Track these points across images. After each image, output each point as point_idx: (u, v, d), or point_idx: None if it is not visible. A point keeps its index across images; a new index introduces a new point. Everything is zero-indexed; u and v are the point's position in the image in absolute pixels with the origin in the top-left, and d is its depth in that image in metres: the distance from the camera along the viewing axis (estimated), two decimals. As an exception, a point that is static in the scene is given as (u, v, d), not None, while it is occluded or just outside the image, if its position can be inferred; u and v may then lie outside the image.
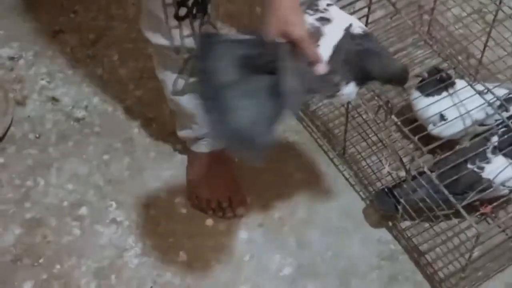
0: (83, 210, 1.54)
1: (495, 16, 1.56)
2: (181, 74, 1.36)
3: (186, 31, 1.26)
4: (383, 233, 1.50)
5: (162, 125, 1.66)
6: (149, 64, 1.73)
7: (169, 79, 1.38)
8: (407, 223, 1.48)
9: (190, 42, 1.27)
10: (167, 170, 1.59)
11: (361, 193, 1.55)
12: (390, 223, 1.49)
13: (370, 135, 1.60)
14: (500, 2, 1.53)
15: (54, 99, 1.70)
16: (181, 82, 1.37)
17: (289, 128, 1.66)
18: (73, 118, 1.68)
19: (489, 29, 1.58)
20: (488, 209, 1.41)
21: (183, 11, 1.23)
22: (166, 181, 1.58)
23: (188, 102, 1.42)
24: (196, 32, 1.26)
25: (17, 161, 1.60)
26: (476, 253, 1.34)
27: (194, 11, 1.24)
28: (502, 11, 1.55)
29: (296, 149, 1.63)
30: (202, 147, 1.53)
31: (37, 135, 1.65)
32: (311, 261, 1.46)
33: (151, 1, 1.24)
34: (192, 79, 1.37)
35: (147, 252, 1.48)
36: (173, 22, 1.24)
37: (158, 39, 1.29)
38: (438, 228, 1.46)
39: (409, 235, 1.47)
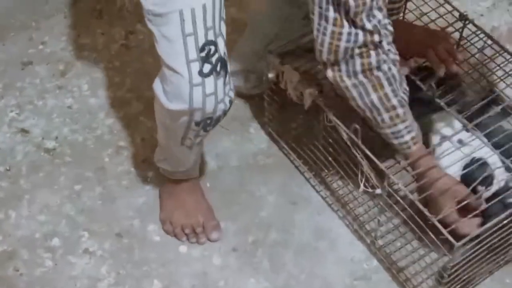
0: (55, 241, 1.52)
1: (461, 33, 1.58)
2: (188, 134, 1.33)
3: (209, 90, 1.22)
4: (356, 253, 1.49)
5: (133, 153, 1.65)
6: (119, 94, 1.75)
7: (176, 137, 1.35)
8: (385, 240, 1.48)
9: (210, 103, 1.24)
10: (140, 197, 1.58)
11: (338, 212, 1.55)
12: (368, 241, 1.49)
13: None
14: (465, 21, 1.55)
15: (24, 131, 1.69)
16: (188, 141, 1.36)
17: (263, 150, 1.67)
18: (44, 149, 1.67)
19: (456, 47, 1.60)
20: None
21: (207, 68, 1.21)
22: (138, 209, 1.57)
23: (188, 154, 1.42)
24: (218, 91, 1.23)
25: (-13, 195, 1.59)
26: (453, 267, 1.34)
27: (218, 68, 1.22)
28: (467, 28, 1.58)
29: (269, 171, 1.63)
30: (180, 176, 1.52)
31: (8, 167, 1.63)
32: (285, 283, 1.45)
33: (175, 58, 1.20)
34: (199, 139, 1.36)
35: (121, 281, 1.46)
36: (197, 80, 1.21)
37: (175, 103, 1.24)
38: (415, 243, 1.47)
39: (387, 251, 1.47)
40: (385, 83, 1.30)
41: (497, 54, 1.60)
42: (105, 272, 1.47)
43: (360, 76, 1.29)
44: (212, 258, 1.49)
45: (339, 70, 1.29)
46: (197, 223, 1.51)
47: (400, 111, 1.33)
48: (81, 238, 1.52)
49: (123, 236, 1.53)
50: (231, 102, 1.29)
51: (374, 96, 1.30)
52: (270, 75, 1.54)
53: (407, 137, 1.36)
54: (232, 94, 1.29)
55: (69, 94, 1.77)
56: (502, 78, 1.59)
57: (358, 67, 1.27)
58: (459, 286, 1.41)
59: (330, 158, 1.54)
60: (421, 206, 1.29)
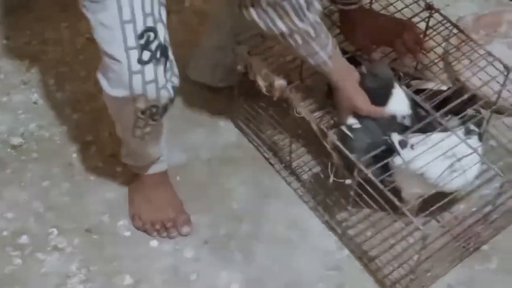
0: (24, 239, 1.50)
1: (427, 23, 1.59)
2: (137, 127, 1.32)
3: (149, 77, 1.22)
4: (328, 243, 1.50)
5: (101, 148, 1.63)
6: (86, 87, 1.73)
7: (125, 127, 1.35)
8: (356, 230, 1.49)
9: (151, 89, 1.23)
10: (109, 193, 1.57)
11: (309, 203, 1.55)
12: (340, 231, 1.49)
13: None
14: (431, 10, 1.56)
15: (-8, 130, 1.67)
16: (138, 132, 1.35)
17: (233, 143, 1.66)
18: (10, 145, 1.64)
19: (422, 36, 1.61)
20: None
21: (146, 55, 1.20)
22: (108, 204, 1.55)
23: (142, 144, 1.41)
24: (158, 78, 1.23)
25: (-48, 193, 1.56)
26: (424, 255, 1.35)
27: (158, 55, 1.21)
28: (433, 17, 1.59)
29: (240, 163, 1.62)
30: (147, 171, 1.50)
31: (-27, 164, 1.61)
32: (258, 275, 1.45)
33: (113, 45, 1.19)
34: (148, 129, 1.34)
35: (91, 277, 1.44)
36: (136, 67, 1.20)
37: (115, 91, 1.24)
38: (386, 232, 1.48)
39: (358, 241, 1.47)
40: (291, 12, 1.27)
41: (463, 43, 1.62)
42: (75, 269, 1.45)
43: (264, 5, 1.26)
44: (183, 251, 1.48)
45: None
46: (167, 218, 1.50)
47: (310, 30, 1.30)
48: (50, 235, 1.50)
49: (92, 232, 1.51)
50: (175, 88, 1.28)
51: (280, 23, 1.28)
52: (239, 67, 1.53)
53: (322, 54, 1.34)
54: (176, 80, 1.29)
55: (34, 89, 1.74)
56: (468, 67, 1.60)
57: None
58: (429, 274, 1.42)
59: (300, 150, 1.54)
60: (391, 196, 1.30)
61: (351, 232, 1.48)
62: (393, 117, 1.41)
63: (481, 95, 1.53)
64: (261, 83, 1.51)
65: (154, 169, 1.51)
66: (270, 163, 1.62)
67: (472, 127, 1.44)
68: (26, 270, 1.45)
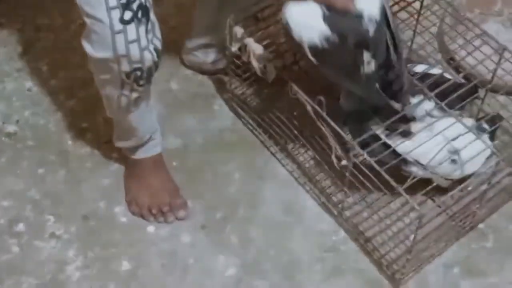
0: (21, 227, 1.50)
1: (422, 3, 1.58)
2: (123, 92, 1.33)
3: (132, 37, 1.23)
4: (324, 225, 1.50)
5: (96, 134, 1.63)
6: (80, 73, 1.72)
7: (111, 97, 1.36)
8: (352, 211, 1.49)
9: (134, 49, 1.24)
10: (105, 179, 1.57)
11: (305, 185, 1.55)
12: (336, 212, 1.49)
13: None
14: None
15: (-14, 117, 1.67)
16: (124, 100, 1.35)
17: (227, 127, 1.66)
18: (5, 133, 1.64)
19: (417, 16, 1.60)
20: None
21: (128, 15, 1.21)
22: (104, 190, 1.55)
23: (130, 118, 1.40)
24: (140, 38, 1.23)
25: None
26: (420, 235, 1.35)
27: (139, 15, 1.22)
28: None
29: (235, 147, 1.62)
30: (140, 154, 1.51)
31: (-32, 154, 1.61)
32: (255, 259, 1.45)
33: (94, 6, 1.20)
34: (135, 95, 1.34)
35: (89, 264, 1.45)
36: (118, 26, 1.21)
37: (100, 52, 1.25)
38: (382, 213, 1.48)
39: (354, 222, 1.48)
40: None
41: (458, 22, 1.61)
42: (72, 255, 1.46)
43: None
44: (180, 236, 1.49)
45: None
46: (163, 202, 1.50)
47: None
48: (47, 223, 1.50)
49: (89, 218, 1.51)
50: (157, 51, 1.28)
51: None
52: (233, 49, 1.52)
53: None
54: (157, 43, 1.29)
55: (28, 76, 1.73)
56: (462, 46, 1.59)
57: None
58: (425, 253, 1.43)
59: (295, 132, 1.54)
60: (387, 177, 1.29)
61: (347, 213, 1.49)
62: (358, 17, 1.30)
63: (476, 74, 1.53)
64: (256, 64, 1.51)
65: (147, 152, 1.50)
66: (265, 146, 1.62)
67: (485, 125, 1.44)
68: (24, 258, 1.45)
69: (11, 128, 1.65)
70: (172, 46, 1.70)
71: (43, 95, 1.70)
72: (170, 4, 1.85)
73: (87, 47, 1.28)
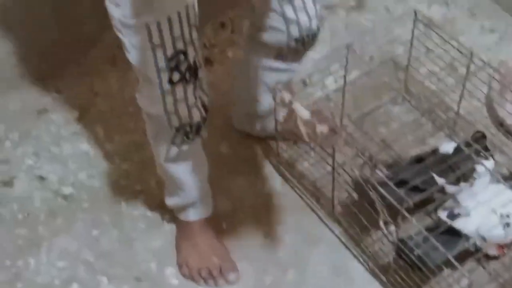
0: (75, 287, 1.53)
1: (468, 69, 1.60)
2: (173, 143, 1.38)
3: (180, 95, 1.29)
4: (374, 290, 1.50)
5: (149, 197, 1.67)
6: (135, 138, 1.77)
7: (162, 147, 1.41)
8: (402, 275, 1.48)
9: (182, 108, 1.30)
10: (157, 240, 1.60)
11: (353, 250, 1.56)
12: (385, 278, 1.49)
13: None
14: (472, 56, 1.57)
15: (41, 178, 1.72)
16: (174, 150, 1.39)
17: (276, 190, 1.68)
18: (61, 195, 1.69)
19: (464, 82, 1.62)
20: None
21: (176, 76, 1.26)
22: (156, 252, 1.58)
23: (178, 170, 1.44)
24: (188, 96, 1.30)
25: (7, 242, 1.61)
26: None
27: (187, 76, 1.27)
28: (474, 63, 1.60)
29: (284, 211, 1.64)
30: (190, 216, 1.54)
31: (26, 214, 1.65)
32: (304, 323, 1.46)
33: (145, 66, 1.26)
34: (184, 148, 1.39)
35: (140, 325, 1.47)
36: (167, 87, 1.27)
37: (151, 108, 1.32)
38: (433, 281, 1.47)
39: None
40: None
41: (506, 88, 1.62)
42: (125, 316, 1.49)
43: None
44: (230, 299, 1.50)
45: None
46: (213, 265, 1.52)
47: None
48: (100, 284, 1.54)
49: (141, 279, 1.54)
50: (204, 106, 1.34)
51: None
52: (280, 115, 1.55)
53: None
54: (205, 98, 1.33)
55: (84, 140, 1.79)
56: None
57: None
58: None
59: (343, 197, 1.55)
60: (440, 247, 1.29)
61: (396, 277, 1.48)
62: None
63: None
64: (303, 130, 1.53)
65: (197, 215, 1.53)
66: (313, 210, 1.64)
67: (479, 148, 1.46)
68: (78, 318, 1.49)
69: (66, 190, 1.70)
70: (223, 110, 1.75)
71: (98, 158, 1.76)
72: (221, 70, 1.91)
73: (140, 100, 1.35)
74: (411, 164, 1.56)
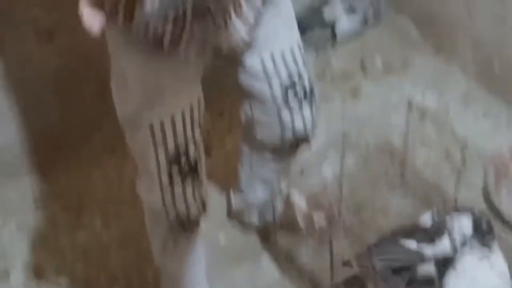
0: None
1: (462, 160, 1.62)
2: (170, 233, 1.38)
3: (178, 191, 1.29)
4: None
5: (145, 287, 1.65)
6: (133, 228, 1.76)
7: (158, 237, 1.41)
8: None
9: (180, 204, 1.30)
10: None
11: None
12: None
13: None
14: (465, 147, 1.59)
15: (38, 269, 1.70)
16: (171, 242, 1.39)
17: (275, 281, 1.66)
18: (56, 283, 1.67)
19: (458, 174, 1.62)
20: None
21: (175, 171, 1.27)
22: None
23: (177, 264, 1.44)
24: (187, 194, 1.30)
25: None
26: None
27: (187, 175, 1.28)
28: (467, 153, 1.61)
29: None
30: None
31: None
32: None
33: (145, 158, 1.27)
34: (182, 240, 1.38)
35: None
36: (165, 179, 1.28)
37: (150, 198, 1.33)
38: None
39: None
40: None
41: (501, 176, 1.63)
42: None
43: None
44: None
45: None
46: None
47: None
48: None
49: None
50: (204, 204, 1.34)
51: None
52: (279, 207, 1.56)
53: None
54: (204, 196, 1.34)
55: (82, 230, 1.78)
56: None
57: None
58: None
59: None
60: None
61: None
62: None
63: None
64: (301, 223, 1.54)
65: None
66: (313, 302, 1.62)
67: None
68: None
69: (62, 280, 1.68)
70: (220, 199, 1.75)
71: (95, 249, 1.74)
72: (218, 158, 1.91)
73: (139, 188, 1.35)
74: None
